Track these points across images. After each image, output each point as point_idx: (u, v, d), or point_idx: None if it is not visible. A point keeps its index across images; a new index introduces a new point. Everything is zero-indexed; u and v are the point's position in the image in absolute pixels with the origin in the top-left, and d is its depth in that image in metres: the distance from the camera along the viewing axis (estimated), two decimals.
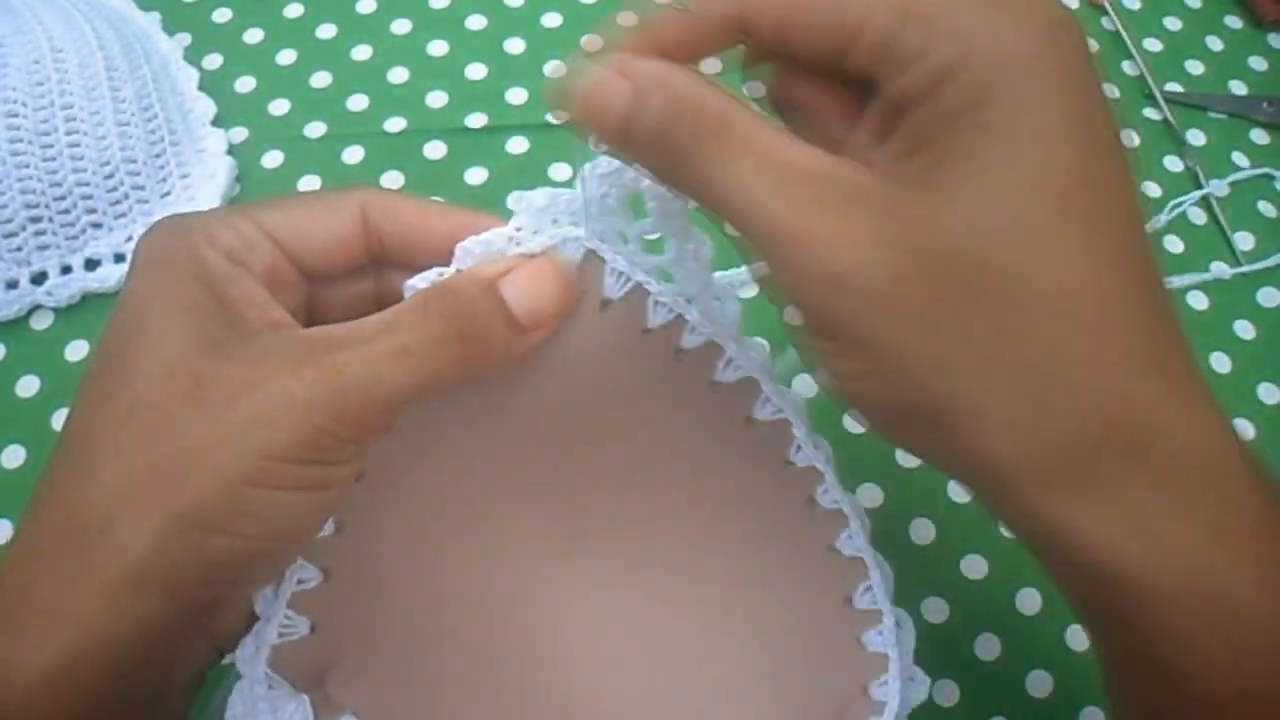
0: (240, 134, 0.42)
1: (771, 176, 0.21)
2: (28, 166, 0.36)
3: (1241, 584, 0.20)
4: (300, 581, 0.26)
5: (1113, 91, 0.46)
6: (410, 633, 0.28)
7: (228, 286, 0.24)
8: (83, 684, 0.22)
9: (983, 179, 0.20)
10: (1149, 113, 0.45)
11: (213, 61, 0.44)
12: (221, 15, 0.45)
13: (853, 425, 0.36)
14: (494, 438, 0.28)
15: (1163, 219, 0.42)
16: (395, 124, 0.42)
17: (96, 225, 0.38)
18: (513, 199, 0.26)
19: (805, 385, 0.36)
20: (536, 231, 0.25)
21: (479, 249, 0.25)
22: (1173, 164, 0.44)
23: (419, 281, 0.26)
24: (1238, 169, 0.44)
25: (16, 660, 0.21)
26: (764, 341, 0.29)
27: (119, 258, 0.38)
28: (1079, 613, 0.23)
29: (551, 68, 0.23)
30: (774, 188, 0.21)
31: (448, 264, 0.26)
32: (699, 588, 0.29)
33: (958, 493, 0.36)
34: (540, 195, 0.25)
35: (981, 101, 0.19)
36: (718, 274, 0.35)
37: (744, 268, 0.39)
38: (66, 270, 0.38)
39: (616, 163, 0.25)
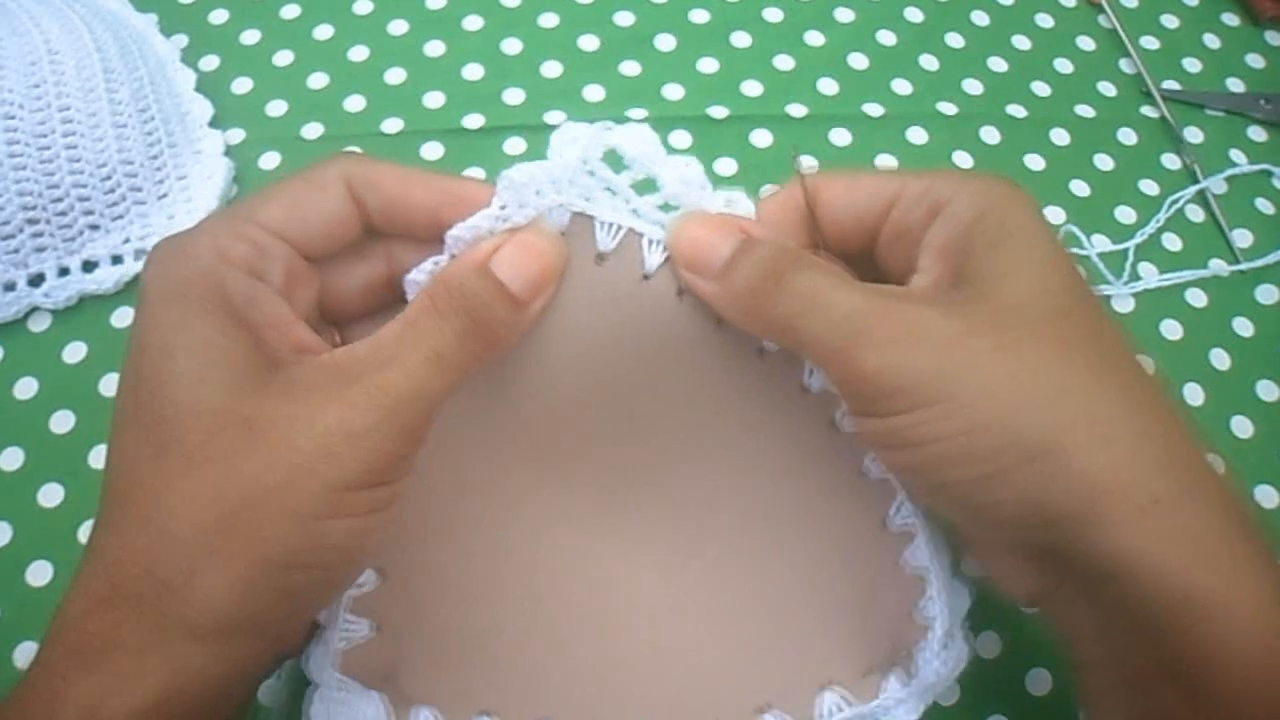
0: (237, 135, 0.42)
1: (860, 294, 0.24)
2: (25, 169, 0.36)
3: None
4: (358, 585, 0.26)
5: (1110, 90, 0.46)
6: (470, 619, 0.28)
7: (250, 310, 0.24)
8: None
9: (1015, 262, 0.25)
10: (1146, 110, 0.46)
11: (210, 63, 0.44)
12: (218, 16, 0.45)
13: None
14: (519, 413, 0.28)
15: (1161, 217, 0.42)
16: (392, 125, 0.42)
17: (94, 227, 0.38)
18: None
19: None
20: (522, 205, 0.25)
21: (468, 234, 0.26)
22: (1170, 162, 0.44)
23: (418, 275, 0.26)
24: (1235, 166, 0.44)
25: (105, 705, 0.22)
26: None
27: (116, 259, 0.38)
28: (1124, 646, 0.24)
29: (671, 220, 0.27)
30: (860, 288, 0.24)
31: (433, 240, 0.26)
32: (741, 527, 0.30)
33: None
34: (519, 171, 0.25)
35: (990, 216, 0.25)
36: None
37: None
38: (64, 272, 0.38)
39: (587, 126, 0.26)
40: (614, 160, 0.27)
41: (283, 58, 0.44)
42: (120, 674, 0.22)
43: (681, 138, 0.43)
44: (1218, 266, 0.41)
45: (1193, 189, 0.43)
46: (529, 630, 0.29)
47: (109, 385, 0.36)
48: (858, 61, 0.46)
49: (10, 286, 0.37)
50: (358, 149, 0.42)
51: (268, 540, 0.22)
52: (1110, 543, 0.22)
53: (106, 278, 0.38)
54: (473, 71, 0.44)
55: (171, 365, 0.23)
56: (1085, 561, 0.23)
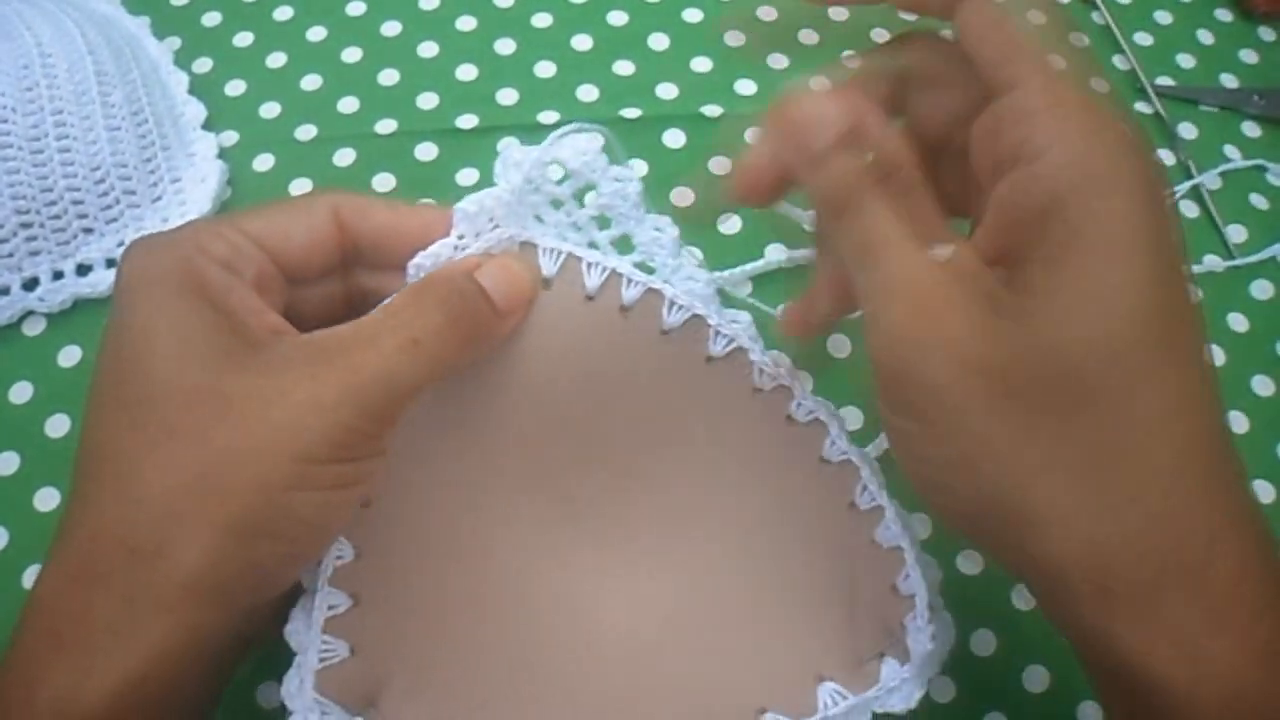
0: (231, 137, 0.42)
1: (919, 247, 0.23)
2: (18, 172, 0.36)
3: None
4: (331, 608, 0.26)
5: (1103, 86, 0.46)
6: (452, 642, 0.28)
7: (227, 297, 0.25)
8: (146, 704, 0.22)
9: (1069, 289, 0.21)
10: (1140, 106, 0.46)
11: (203, 65, 0.44)
12: (211, 19, 0.45)
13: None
14: (487, 438, 0.28)
15: None
16: (386, 126, 0.42)
17: (88, 230, 0.38)
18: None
19: None
20: (478, 234, 0.27)
21: (429, 262, 0.27)
22: (1164, 157, 0.44)
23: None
24: (1229, 162, 0.44)
25: (82, 686, 0.22)
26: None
27: (111, 263, 0.38)
28: (1114, 713, 0.24)
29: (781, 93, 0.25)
30: (920, 256, 0.23)
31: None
32: (716, 534, 0.30)
33: None
34: (470, 202, 0.27)
35: (1068, 211, 0.21)
36: (717, 273, 0.36)
37: (741, 268, 0.39)
38: (58, 276, 0.38)
39: (528, 149, 0.28)
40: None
41: (276, 60, 0.44)
42: (94, 655, 0.22)
43: (675, 137, 0.43)
44: (1212, 262, 0.41)
45: (1187, 185, 0.43)
46: (514, 654, 0.28)
47: None
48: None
49: (4, 290, 0.37)
50: (351, 150, 0.42)
51: (234, 507, 0.23)
52: (1068, 618, 0.23)
53: (101, 281, 0.38)
54: (466, 72, 0.44)
55: (152, 345, 0.24)
56: (1057, 623, 0.24)
